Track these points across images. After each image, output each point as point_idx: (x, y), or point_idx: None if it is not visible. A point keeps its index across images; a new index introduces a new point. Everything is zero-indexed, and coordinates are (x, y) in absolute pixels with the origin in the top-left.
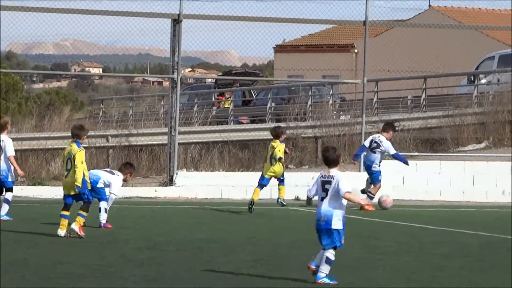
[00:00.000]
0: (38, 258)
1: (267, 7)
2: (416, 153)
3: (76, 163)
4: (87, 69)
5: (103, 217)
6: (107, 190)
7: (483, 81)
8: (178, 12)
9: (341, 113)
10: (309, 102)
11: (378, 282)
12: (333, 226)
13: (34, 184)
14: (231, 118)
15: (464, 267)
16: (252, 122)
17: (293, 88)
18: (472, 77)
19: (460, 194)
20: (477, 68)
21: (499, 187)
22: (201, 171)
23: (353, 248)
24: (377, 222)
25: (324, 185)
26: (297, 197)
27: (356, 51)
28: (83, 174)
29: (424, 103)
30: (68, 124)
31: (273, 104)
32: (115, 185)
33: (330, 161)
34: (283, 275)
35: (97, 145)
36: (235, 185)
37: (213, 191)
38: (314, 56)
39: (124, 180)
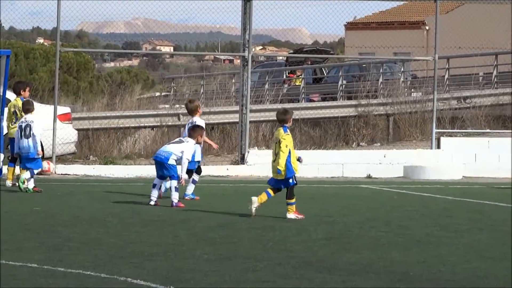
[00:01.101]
0: (111, 237)
1: None
2: (488, 130)
3: (281, 148)
4: (158, 47)
5: (175, 196)
6: (179, 168)
7: None
8: None
9: (412, 90)
10: (380, 80)
11: (451, 259)
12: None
13: (106, 163)
14: (302, 96)
15: None
16: (323, 100)
17: (364, 65)
18: None
19: None
20: None
21: None
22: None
23: (426, 226)
24: (449, 200)
25: None
26: (369, 174)
27: (427, 28)
28: (290, 159)
29: (495, 79)
30: (139, 103)
31: (344, 82)
32: (186, 151)
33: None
34: (354, 252)
35: (169, 123)
36: (307, 163)
37: None
38: (385, 33)
39: (198, 143)
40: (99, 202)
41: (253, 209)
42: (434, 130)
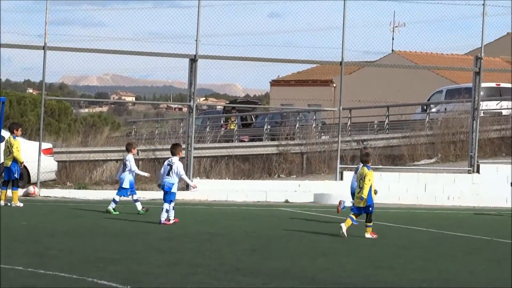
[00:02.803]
0: (82, 246)
1: (266, 50)
2: (381, 166)
3: (365, 181)
4: (123, 97)
5: (164, 216)
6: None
7: (434, 109)
8: (194, 53)
9: (322, 134)
10: (297, 125)
11: (350, 267)
12: None
13: (79, 188)
14: (235, 137)
15: (418, 256)
16: (252, 140)
17: (284, 114)
18: (425, 107)
19: (415, 198)
20: (428, 100)
21: (445, 193)
22: (211, 179)
23: (331, 240)
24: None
25: None
26: (287, 200)
27: (334, 85)
28: (370, 191)
29: (387, 126)
30: (107, 141)
31: (268, 127)
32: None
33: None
34: (274, 261)
35: None
36: (238, 190)
37: (220, 195)
38: (301, 89)
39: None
40: (74, 218)
41: (344, 232)
42: (338, 166)
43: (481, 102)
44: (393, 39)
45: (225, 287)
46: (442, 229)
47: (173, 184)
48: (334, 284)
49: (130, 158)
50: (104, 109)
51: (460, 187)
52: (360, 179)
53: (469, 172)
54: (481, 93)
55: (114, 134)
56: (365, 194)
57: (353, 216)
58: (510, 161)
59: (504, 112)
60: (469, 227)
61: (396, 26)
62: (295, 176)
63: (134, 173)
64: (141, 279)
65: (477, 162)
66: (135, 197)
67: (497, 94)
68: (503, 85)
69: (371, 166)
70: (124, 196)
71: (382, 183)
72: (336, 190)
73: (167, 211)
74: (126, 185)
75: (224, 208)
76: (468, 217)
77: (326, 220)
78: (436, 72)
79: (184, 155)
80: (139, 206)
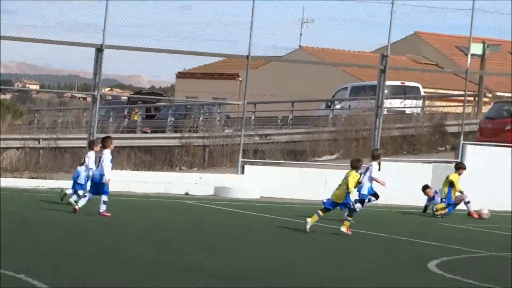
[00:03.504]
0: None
1: (174, 42)
2: (283, 161)
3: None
4: (27, 85)
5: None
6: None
7: (338, 106)
8: (101, 43)
9: (225, 127)
10: (201, 118)
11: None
12: None
13: None
14: (139, 128)
15: (307, 250)
16: (155, 132)
17: (189, 106)
18: (329, 103)
19: (316, 194)
20: (333, 96)
21: None
22: (112, 169)
23: (227, 235)
24: (248, 215)
25: None
26: (187, 192)
27: (240, 79)
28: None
29: (290, 122)
30: (9, 129)
31: (172, 119)
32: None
33: None
34: (177, 252)
35: (31, 146)
36: (138, 181)
37: (121, 186)
38: (207, 82)
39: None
40: None
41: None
42: (240, 160)
43: (385, 100)
44: (301, 34)
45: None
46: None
47: (103, 175)
48: (226, 275)
49: (91, 155)
50: (8, 96)
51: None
52: (343, 179)
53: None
54: (386, 91)
55: (16, 122)
56: (351, 188)
57: (320, 212)
58: (411, 159)
59: (407, 111)
60: (366, 224)
61: (304, 22)
62: (196, 168)
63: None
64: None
65: None
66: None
67: (401, 92)
68: (407, 83)
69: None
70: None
71: (283, 178)
72: (237, 183)
73: (104, 202)
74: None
75: (123, 199)
76: (370, 213)
77: (224, 214)
78: (342, 68)
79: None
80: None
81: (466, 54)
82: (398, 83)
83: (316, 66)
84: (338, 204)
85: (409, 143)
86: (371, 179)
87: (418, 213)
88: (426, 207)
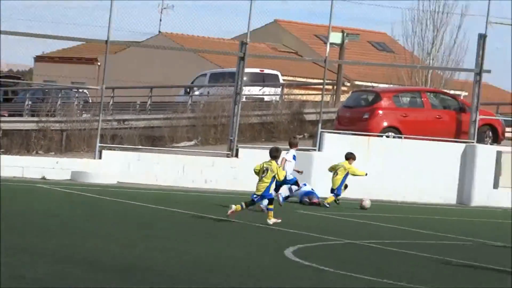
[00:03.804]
0: None
1: (30, 24)
2: (141, 147)
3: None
4: None
5: None
6: None
7: (197, 92)
8: None
9: (83, 112)
10: (59, 102)
11: (98, 245)
12: None
13: None
14: None
15: (166, 236)
16: (12, 115)
17: (46, 90)
18: (188, 89)
19: (174, 180)
20: (192, 82)
21: (203, 176)
22: None
23: (85, 219)
24: (104, 200)
25: None
26: (44, 176)
27: (99, 64)
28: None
29: (149, 107)
30: None
31: (29, 102)
32: None
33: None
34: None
35: None
36: None
37: None
38: (66, 66)
39: None
40: None
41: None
42: (98, 144)
43: (244, 87)
44: (160, 20)
45: None
46: (197, 211)
47: None
48: (81, 262)
49: None
50: None
51: (219, 170)
52: (265, 170)
53: (228, 156)
54: (245, 78)
55: None
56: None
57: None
58: (269, 146)
59: (266, 98)
60: (225, 210)
61: (164, 8)
62: (53, 153)
63: None
64: None
65: (237, 146)
66: None
67: (261, 80)
68: (266, 71)
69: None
70: None
71: (141, 164)
72: (95, 168)
73: None
74: None
75: None
76: (228, 199)
77: (82, 199)
78: (202, 55)
79: None
80: None
81: (325, 43)
82: (257, 70)
83: (176, 52)
84: (262, 196)
85: (268, 130)
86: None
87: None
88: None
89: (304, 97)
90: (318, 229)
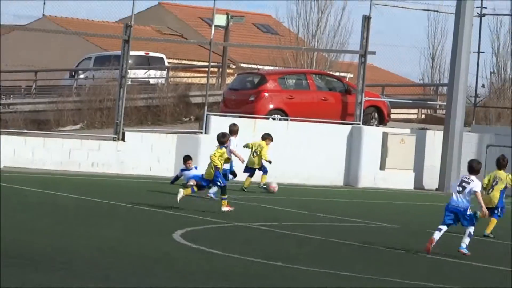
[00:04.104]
0: None
1: None
2: (26, 131)
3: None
4: None
5: None
6: None
7: (82, 76)
8: None
9: None
10: None
11: None
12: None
13: None
14: None
15: (61, 221)
16: None
17: None
18: (73, 73)
19: (60, 164)
20: (77, 66)
21: (89, 160)
22: None
23: None
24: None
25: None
26: None
27: None
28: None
29: (34, 91)
30: None
31: None
32: None
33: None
34: None
35: None
36: None
37: None
38: None
39: None
40: None
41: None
42: None
43: (129, 71)
44: (44, 3)
45: None
46: (84, 195)
47: None
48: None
49: None
50: None
51: (105, 154)
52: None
53: (114, 139)
54: (130, 61)
55: None
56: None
57: (195, 187)
58: (156, 129)
59: (152, 81)
60: (112, 194)
61: None
62: None
63: None
64: None
65: (123, 129)
66: None
67: (146, 63)
68: (151, 54)
69: None
70: None
71: (27, 148)
72: None
73: None
74: None
75: None
76: (115, 183)
77: None
78: (87, 38)
79: None
80: None
81: (210, 25)
82: (142, 53)
83: (60, 36)
84: (209, 181)
85: (154, 113)
86: (230, 153)
87: (165, 183)
88: (177, 177)
89: (190, 80)
90: (207, 212)
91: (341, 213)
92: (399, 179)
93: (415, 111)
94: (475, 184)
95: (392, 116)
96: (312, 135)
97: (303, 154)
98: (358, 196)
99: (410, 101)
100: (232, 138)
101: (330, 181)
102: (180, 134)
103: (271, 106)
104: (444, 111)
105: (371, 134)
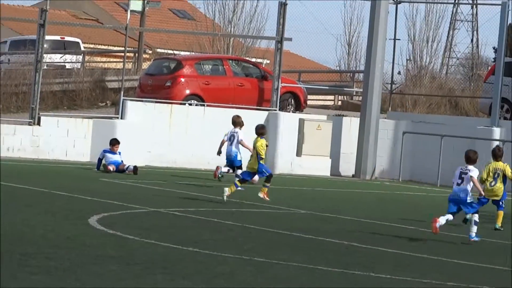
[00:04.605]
0: None
1: None
2: None
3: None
4: None
5: None
6: None
7: None
8: None
9: None
10: None
11: None
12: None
13: None
14: None
15: None
16: None
17: None
18: None
19: None
20: None
21: (5, 145)
22: None
23: None
24: None
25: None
26: None
27: None
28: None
29: None
30: None
31: None
32: None
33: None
34: None
35: None
36: None
37: None
38: None
39: None
40: None
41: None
42: None
43: (45, 55)
44: None
45: None
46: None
47: None
48: None
49: None
50: None
51: (21, 139)
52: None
53: (30, 124)
54: (45, 45)
55: None
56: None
57: (238, 183)
58: (71, 114)
59: (68, 66)
60: (27, 179)
61: None
62: None
63: None
64: None
65: (38, 114)
66: None
67: (61, 47)
68: (67, 38)
69: None
70: None
71: None
72: None
73: None
74: None
75: None
76: (29, 168)
77: None
78: (2, 22)
79: None
80: None
81: (126, 10)
82: (58, 38)
83: None
84: (254, 173)
85: (70, 98)
86: (238, 144)
87: (80, 168)
88: (100, 161)
89: (106, 65)
90: (123, 198)
91: (257, 199)
92: (316, 165)
93: (331, 97)
94: (473, 172)
95: (309, 102)
96: (229, 121)
97: (219, 140)
98: (274, 182)
99: (327, 88)
100: (237, 129)
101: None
102: (96, 119)
103: (188, 92)
104: (360, 98)
105: (288, 121)
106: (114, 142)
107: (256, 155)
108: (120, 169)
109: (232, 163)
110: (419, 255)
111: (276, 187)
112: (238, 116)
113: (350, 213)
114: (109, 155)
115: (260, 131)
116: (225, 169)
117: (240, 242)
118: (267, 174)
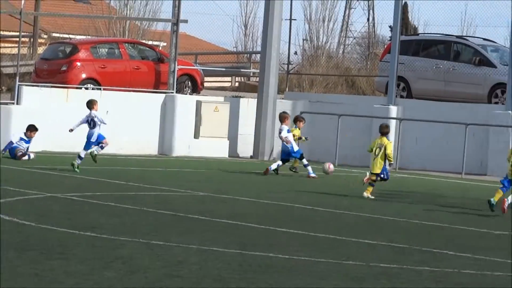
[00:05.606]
0: None
1: None
2: None
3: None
4: None
5: None
6: None
7: None
8: None
9: None
10: None
11: None
12: None
13: None
14: None
15: None
16: None
17: None
18: None
19: None
20: None
21: None
22: None
23: None
24: None
25: None
26: None
27: None
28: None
29: None
30: None
31: None
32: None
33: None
34: None
35: None
36: None
37: None
38: None
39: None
40: None
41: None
42: None
43: None
44: None
45: None
46: None
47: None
48: None
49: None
50: None
51: None
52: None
53: None
54: None
55: None
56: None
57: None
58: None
59: None
60: None
61: None
62: None
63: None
64: None
65: None
66: None
67: None
68: None
69: None
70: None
71: None
72: None
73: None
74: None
75: None
76: None
77: None
78: None
79: None
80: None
81: None
82: None
83: None
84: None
85: None
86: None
87: None
88: (11, 144)
89: (1, 50)
90: (19, 183)
91: (155, 182)
92: (214, 147)
93: (228, 79)
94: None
95: (206, 84)
96: (126, 104)
97: (116, 123)
98: (172, 165)
99: (224, 69)
100: (284, 126)
101: (144, 151)
102: None
103: (84, 76)
104: (257, 79)
105: (185, 103)
106: (32, 129)
107: (384, 156)
108: (17, 153)
109: (288, 155)
110: (317, 235)
111: (174, 169)
112: (285, 112)
113: (247, 194)
114: (23, 142)
115: (385, 130)
116: (274, 166)
117: (138, 226)
118: (385, 178)
